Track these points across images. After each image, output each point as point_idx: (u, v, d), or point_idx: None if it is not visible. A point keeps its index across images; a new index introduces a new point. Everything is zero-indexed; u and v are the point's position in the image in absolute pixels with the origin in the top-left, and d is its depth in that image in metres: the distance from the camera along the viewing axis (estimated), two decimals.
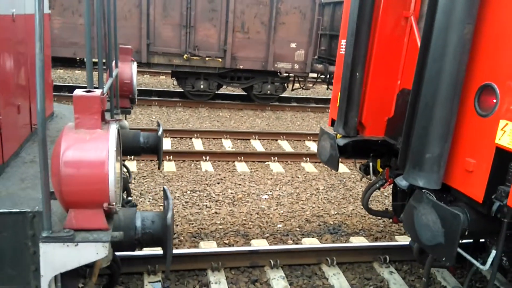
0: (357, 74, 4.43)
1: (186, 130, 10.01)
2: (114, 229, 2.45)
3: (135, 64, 5.29)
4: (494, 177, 2.91)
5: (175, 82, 13.26)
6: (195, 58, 12.22)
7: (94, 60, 3.01)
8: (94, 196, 2.20)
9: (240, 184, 7.42)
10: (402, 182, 3.83)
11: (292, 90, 14.06)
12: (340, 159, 4.70)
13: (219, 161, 8.38)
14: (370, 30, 4.28)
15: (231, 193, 7.02)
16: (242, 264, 4.88)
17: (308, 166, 8.54)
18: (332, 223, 6.27)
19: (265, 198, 6.96)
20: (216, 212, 6.29)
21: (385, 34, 4.29)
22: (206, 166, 8.08)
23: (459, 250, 3.32)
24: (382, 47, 4.33)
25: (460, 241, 3.05)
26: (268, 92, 13.30)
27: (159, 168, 5.08)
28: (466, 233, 3.16)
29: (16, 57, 3.39)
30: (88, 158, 2.18)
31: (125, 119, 5.16)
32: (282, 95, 14.20)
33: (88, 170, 2.17)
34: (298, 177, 7.98)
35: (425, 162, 3.18)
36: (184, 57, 12.11)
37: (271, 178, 7.81)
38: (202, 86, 12.76)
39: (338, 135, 4.75)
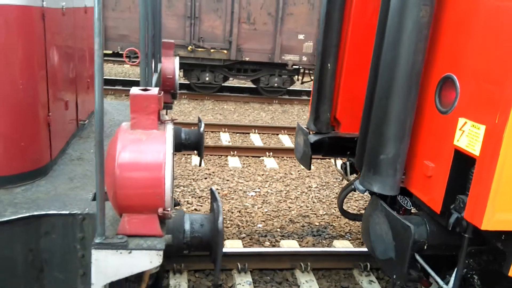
0: (329, 65, 4.04)
1: (183, 123, 9.76)
2: (165, 232, 2.31)
3: (177, 59, 5.20)
4: (453, 185, 2.51)
5: (181, 74, 13.03)
6: (200, 49, 11.95)
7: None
8: (149, 201, 2.06)
9: (228, 180, 7.12)
10: (359, 186, 3.45)
11: (302, 83, 13.61)
12: (312, 157, 4.34)
13: (210, 155, 8.09)
14: (343, 15, 3.88)
15: (217, 189, 6.73)
16: (208, 267, 4.58)
17: None
18: (317, 224, 5.89)
19: (252, 196, 6.64)
20: (196, 209, 6.02)
21: (361, 20, 3.88)
22: (196, 160, 7.81)
23: (423, 264, 2.94)
24: (357, 34, 3.92)
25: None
26: (276, 85, 12.91)
27: (200, 165, 4.96)
28: (425, 247, 2.76)
29: (65, 52, 3.31)
30: (144, 160, 2.04)
31: (166, 114, 5.07)
32: (292, 88, 13.79)
33: (144, 173, 2.03)
34: (291, 174, 7.61)
35: (379, 164, 2.79)
36: (189, 48, 11.85)
37: (263, 174, 7.48)
38: (207, 78, 12.49)
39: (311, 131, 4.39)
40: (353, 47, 3.96)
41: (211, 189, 2.77)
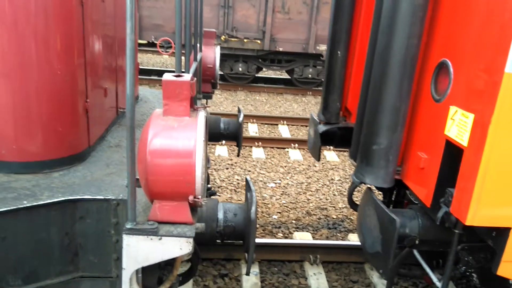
0: (338, 52, 3.91)
1: (213, 113, 9.83)
2: (197, 220, 2.36)
3: (218, 48, 5.21)
4: (444, 177, 2.36)
5: None
6: (233, 39, 11.95)
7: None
8: (180, 188, 2.07)
9: (250, 171, 7.11)
10: (354, 178, 3.32)
11: None
12: (321, 148, 4.24)
13: (235, 145, 8.09)
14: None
15: (237, 179, 6.73)
16: (216, 256, 4.60)
17: (330, 155, 7.99)
18: (334, 217, 5.77)
19: (272, 187, 6.59)
20: None
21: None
22: (220, 150, 7.85)
23: (419, 259, 2.81)
24: (370, 20, 3.76)
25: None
26: (310, 76, 12.71)
27: (238, 155, 5.06)
28: (417, 242, 2.62)
29: (104, 40, 3.38)
30: (175, 147, 2.04)
31: (206, 103, 5.18)
32: None
33: (174, 160, 2.04)
34: (315, 166, 7.49)
35: (371, 155, 2.67)
36: (222, 38, 11.87)
37: (286, 166, 7.40)
38: (240, 69, 12.49)
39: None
40: (366, 32, 3.80)
41: (246, 179, 2.77)
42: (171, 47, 11.13)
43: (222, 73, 12.99)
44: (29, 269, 2.33)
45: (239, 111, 4.56)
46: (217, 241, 2.58)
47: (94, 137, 3.12)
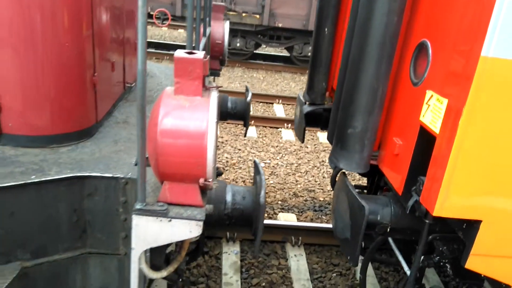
0: (325, 29, 3.76)
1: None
2: (206, 203, 2.32)
3: (227, 24, 5.01)
4: (417, 165, 2.26)
5: None
6: (231, 13, 11.67)
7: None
8: (190, 170, 2.01)
9: (240, 149, 7.01)
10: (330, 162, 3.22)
11: None
12: (306, 129, 4.13)
13: (227, 123, 7.99)
14: None
15: (226, 157, 6.65)
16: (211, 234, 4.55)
17: (324, 136, 7.88)
18: (321, 199, 5.70)
19: (261, 167, 6.49)
20: None
21: None
22: None
23: (393, 247, 2.73)
24: None
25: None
26: (309, 54, 12.45)
27: (245, 136, 4.94)
28: (388, 229, 2.53)
29: (112, 12, 3.29)
30: (187, 128, 1.98)
31: (213, 81, 5.03)
32: None
33: (186, 141, 1.98)
34: (307, 147, 7.39)
35: (346, 139, 2.56)
36: None
37: (277, 146, 7.30)
38: (238, 44, 12.26)
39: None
40: None
41: (254, 162, 2.72)
42: (167, 18, 10.88)
43: None
44: (37, 244, 2.33)
45: (247, 90, 4.44)
46: (225, 223, 2.55)
47: (102, 112, 3.06)
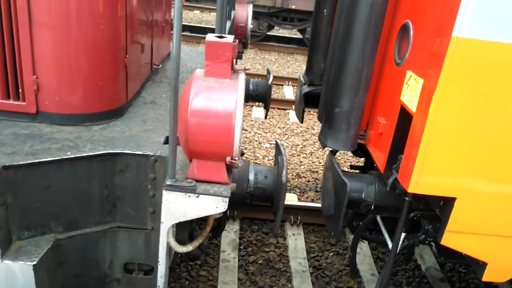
0: (325, 10, 3.77)
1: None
2: (231, 181, 2.43)
3: (251, 7, 5.09)
4: (397, 143, 2.30)
5: None
6: None
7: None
8: (218, 149, 2.14)
9: (246, 130, 7.10)
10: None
11: None
12: (305, 109, 4.18)
13: None
14: None
15: None
16: None
17: None
18: None
19: (266, 147, 6.59)
20: None
21: None
22: None
23: (380, 224, 2.81)
24: None
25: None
26: None
27: (265, 118, 5.02)
28: (373, 207, 2.60)
29: None
30: (215, 109, 2.09)
31: (236, 64, 5.13)
32: None
33: (215, 121, 2.09)
34: (313, 129, 7.43)
35: (334, 117, 2.62)
36: None
37: (284, 127, 7.36)
38: (251, 26, 12.20)
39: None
40: None
41: (276, 142, 2.80)
42: None
43: None
44: (70, 217, 2.44)
45: (268, 72, 4.47)
46: (247, 201, 2.65)
47: (131, 93, 3.15)
